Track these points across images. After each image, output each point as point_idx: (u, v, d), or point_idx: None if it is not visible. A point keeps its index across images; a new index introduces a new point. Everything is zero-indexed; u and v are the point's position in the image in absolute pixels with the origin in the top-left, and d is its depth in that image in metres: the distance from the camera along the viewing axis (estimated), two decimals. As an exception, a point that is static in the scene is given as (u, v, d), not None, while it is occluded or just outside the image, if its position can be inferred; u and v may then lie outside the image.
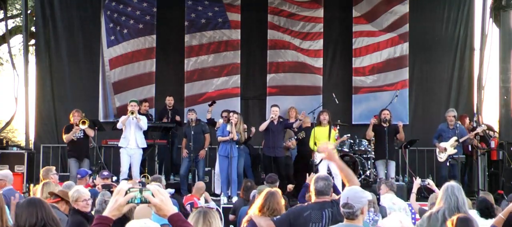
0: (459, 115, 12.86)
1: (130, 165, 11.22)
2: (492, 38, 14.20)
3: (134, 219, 3.20)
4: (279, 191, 5.78)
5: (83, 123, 11.46)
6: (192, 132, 11.62)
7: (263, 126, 11.47)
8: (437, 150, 11.78)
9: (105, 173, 9.79)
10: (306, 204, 5.36)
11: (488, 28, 14.16)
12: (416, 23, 14.33)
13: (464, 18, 14.42)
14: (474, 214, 5.94)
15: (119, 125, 11.34)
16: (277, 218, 5.30)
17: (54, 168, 9.30)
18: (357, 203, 4.12)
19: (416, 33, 14.32)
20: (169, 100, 13.19)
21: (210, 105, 12.31)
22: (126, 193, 2.68)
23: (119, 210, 2.69)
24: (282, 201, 5.59)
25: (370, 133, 11.95)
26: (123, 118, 11.29)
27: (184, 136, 11.94)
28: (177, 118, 12.98)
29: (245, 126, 12.05)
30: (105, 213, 2.71)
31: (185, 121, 12.78)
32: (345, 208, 4.16)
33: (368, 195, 4.27)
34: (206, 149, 11.83)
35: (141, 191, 2.68)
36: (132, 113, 11.05)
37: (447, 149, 11.56)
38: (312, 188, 5.25)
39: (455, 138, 11.52)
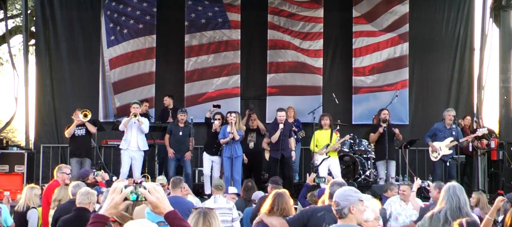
0: (461, 116, 12.89)
1: (131, 167, 11.21)
2: (492, 38, 14.25)
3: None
4: (287, 191, 5.82)
5: (85, 115, 11.45)
6: (180, 133, 11.63)
7: (276, 137, 11.22)
8: (430, 149, 11.73)
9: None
10: (319, 205, 5.41)
11: (488, 28, 14.18)
12: (416, 23, 14.33)
13: (464, 18, 14.42)
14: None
15: (121, 127, 11.30)
16: (290, 218, 5.34)
17: (68, 167, 9.14)
18: (343, 201, 4.12)
19: (416, 33, 14.32)
20: (166, 101, 13.18)
21: (214, 106, 12.30)
22: (123, 191, 2.68)
23: (116, 208, 2.69)
24: (291, 201, 5.63)
25: (374, 138, 11.93)
26: (125, 120, 11.26)
27: (169, 133, 11.87)
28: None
29: (244, 127, 12.02)
30: (102, 211, 2.71)
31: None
32: (333, 207, 4.22)
33: (361, 196, 4.25)
34: (191, 150, 11.81)
35: (137, 189, 2.68)
36: (135, 115, 11.04)
37: (441, 148, 11.51)
38: (327, 191, 5.31)
39: (451, 138, 11.48)
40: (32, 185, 8.26)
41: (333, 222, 5.05)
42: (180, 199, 7.26)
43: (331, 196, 5.23)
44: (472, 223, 4.66)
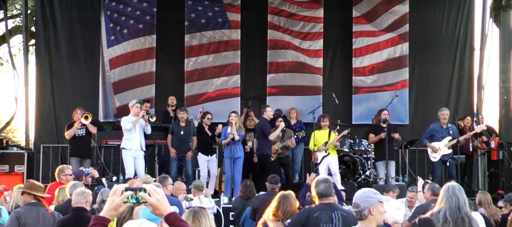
0: (461, 115, 12.89)
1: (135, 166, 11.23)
2: (492, 38, 14.25)
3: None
4: (292, 193, 5.83)
5: (86, 118, 11.47)
6: (182, 132, 11.64)
7: (275, 135, 11.32)
8: (429, 150, 11.71)
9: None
10: (313, 205, 5.42)
11: (488, 28, 14.18)
12: (416, 23, 14.34)
13: (464, 18, 14.42)
14: (475, 215, 5.92)
15: (129, 126, 11.13)
16: (289, 223, 5.35)
17: (69, 167, 9.14)
18: (363, 203, 4.09)
19: (416, 33, 14.32)
20: (172, 100, 13.18)
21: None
22: (123, 194, 2.68)
23: (116, 210, 2.68)
24: (296, 203, 5.63)
25: (374, 141, 11.94)
26: (134, 119, 11.16)
27: (171, 133, 11.87)
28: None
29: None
30: (102, 213, 2.70)
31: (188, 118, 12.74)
32: (353, 208, 4.19)
33: (381, 197, 4.18)
34: (193, 150, 11.78)
35: (136, 191, 2.68)
36: (148, 115, 11.22)
37: (440, 149, 11.51)
38: (313, 192, 5.31)
39: (449, 138, 11.48)
40: (19, 185, 8.29)
41: (329, 220, 5.08)
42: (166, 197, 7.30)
43: (320, 195, 5.29)
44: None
